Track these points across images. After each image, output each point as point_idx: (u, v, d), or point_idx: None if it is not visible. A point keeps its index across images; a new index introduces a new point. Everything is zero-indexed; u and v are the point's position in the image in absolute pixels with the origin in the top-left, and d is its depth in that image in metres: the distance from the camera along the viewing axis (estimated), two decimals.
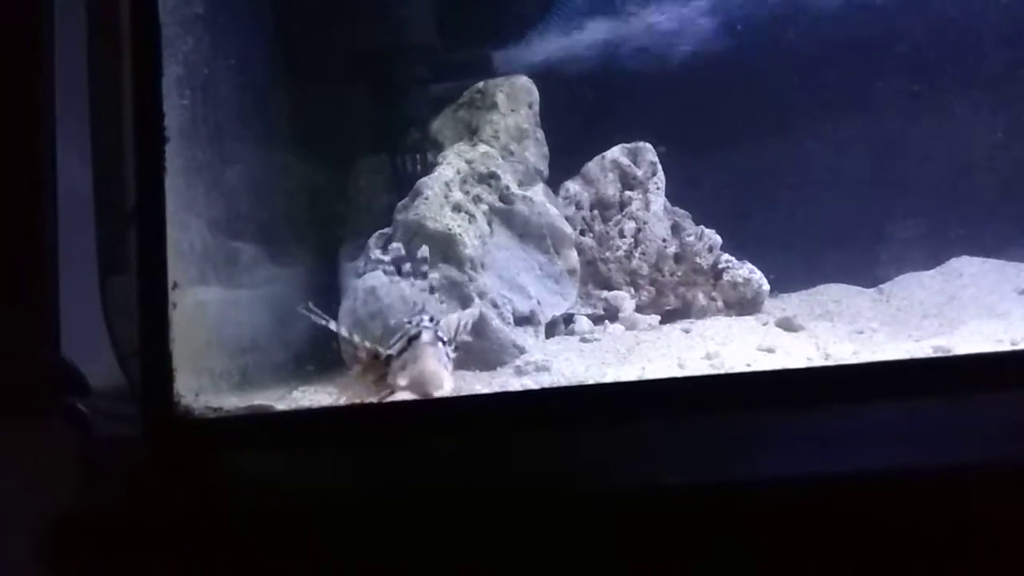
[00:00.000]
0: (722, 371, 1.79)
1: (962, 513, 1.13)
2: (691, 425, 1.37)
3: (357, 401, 1.68)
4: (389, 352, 1.61)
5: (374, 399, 1.66)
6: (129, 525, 1.24)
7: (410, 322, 1.62)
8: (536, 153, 2.56)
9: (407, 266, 1.91)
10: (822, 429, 1.33)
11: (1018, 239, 2.59)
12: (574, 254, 2.50)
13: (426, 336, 1.59)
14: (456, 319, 1.76)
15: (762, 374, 1.48)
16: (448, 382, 1.58)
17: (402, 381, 1.57)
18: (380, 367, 1.65)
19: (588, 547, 1.18)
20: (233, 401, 1.60)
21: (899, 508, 1.14)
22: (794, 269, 2.73)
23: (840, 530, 1.14)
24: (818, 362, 1.93)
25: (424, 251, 1.93)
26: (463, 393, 1.66)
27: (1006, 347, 1.88)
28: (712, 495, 1.18)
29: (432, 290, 1.92)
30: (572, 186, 2.66)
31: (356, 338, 1.66)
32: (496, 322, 2.18)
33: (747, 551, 1.16)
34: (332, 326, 1.71)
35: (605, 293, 2.58)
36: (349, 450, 1.44)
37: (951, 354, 1.79)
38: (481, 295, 2.19)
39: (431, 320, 1.63)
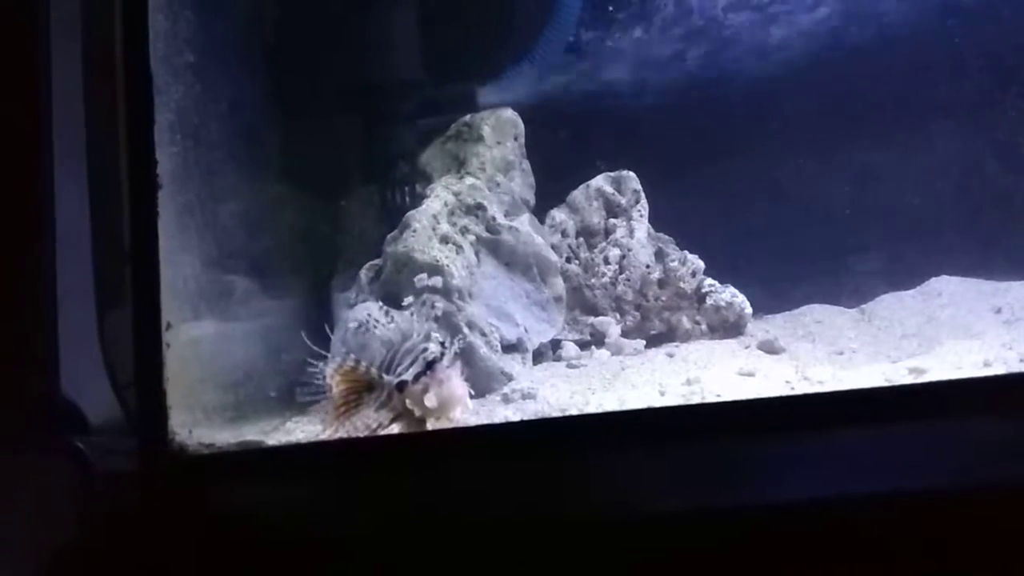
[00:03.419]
0: (700, 397, 1.84)
1: (940, 536, 1.17)
2: (669, 453, 1.41)
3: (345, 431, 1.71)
4: (403, 379, 1.67)
5: (362, 428, 1.69)
6: (126, 561, 1.28)
7: (425, 348, 1.68)
8: (522, 183, 2.62)
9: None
10: (797, 455, 1.37)
11: (995, 258, 2.65)
12: (560, 281, 2.55)
13: (447, 360, 1.65)
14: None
15: (735, 403, 1.52)
16: (469, 404, 1.65)
17: (430, 403, 1.63)
18: (378, 394, 1.70)
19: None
20: (226, 436, 1.63)
21: (879, 532, 1.18)
22: (779, 291, 2.79)
23: (824, 554, 1.19)
24: (796, 384, 1.97)
25: (422, 279, 1.96)
26: (452, 425, 1.70)
27: (978, 368, 1.93)
28: (696, 522, 1.23)
29: (438, 319, 1.96)
30: (558, 215, 2.72)
31: (362, 363, 1.70)
32: (484, 350, 2.24)
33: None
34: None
35: (591, 319, 2.63)
36: (341, 482, 1.47)
37: (922, 381, 1.83)
38: (469, 324, 2.25)
39: (443, 345, 1.68)
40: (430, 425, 1.65)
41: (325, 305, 2.42)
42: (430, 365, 1.66)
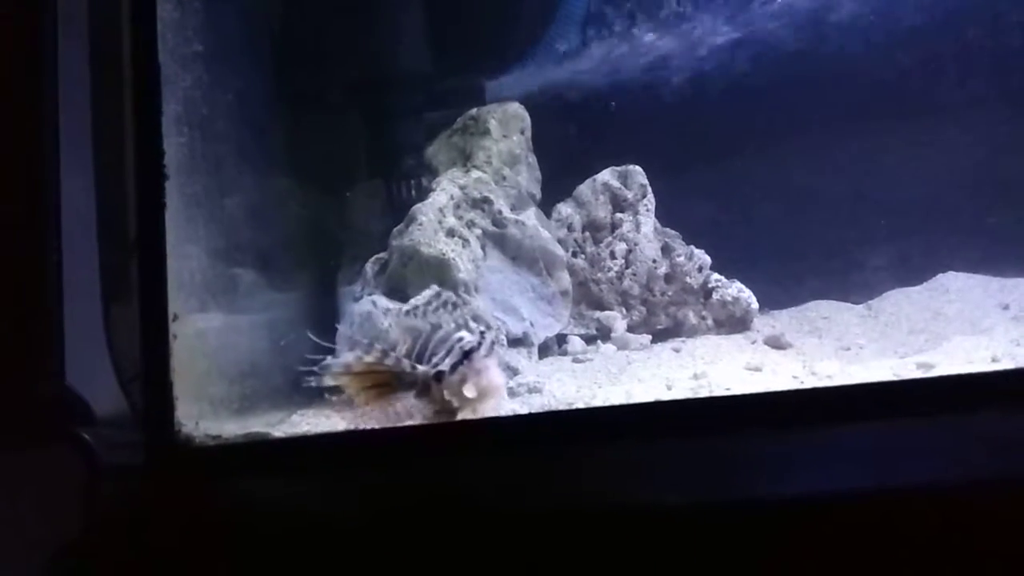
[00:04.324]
0: (708, 392, 1.83)
1: (944, 531, 1.17)
2: (676, 448, 1.41)
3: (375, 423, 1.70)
4: (440, 369, 1.67)
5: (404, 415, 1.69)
6: (132, 553, 1.28)
7: (460, 338, 1.68)
8: (528, 177, 2.62)
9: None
10: (805, 450, 1.37)
11: (1003, 254, 2.64)
12: (566, 276, 2.55)
13: (484, 349, 1.65)
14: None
15: (743, 398, 1.51)
16: (505, 393, 1.65)
17: (469, 393, 1.62)
18: (412, 386, 1.69)
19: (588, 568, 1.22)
20: (232, 428, 1.63)
21: (886, 527, 1.17)
22: (785, 286, 2.78)
23: (830, 549, 1.18)
24: (804, 379, 1.97)
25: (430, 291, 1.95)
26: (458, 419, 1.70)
27: (986, 364, 1.92)
28: (704, 516, 1.22)
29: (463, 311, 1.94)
30: (564, 209, 2.72)
31: (393, 353, 1.69)
32: None
33: (737, 569, 1.21)
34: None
35: (597, 313, 2.63)
36: (347, 475, 1.47)
37: (930, 376, 1.83)
38: (475, 318, 2.24)
39: (482, 335, 1.68)
40: (462, 416, 1.65)
41: (331, 298, 2.42)
42: (467, 355, 1.66)
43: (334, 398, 1.72)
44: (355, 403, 1.69)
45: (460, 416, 1.65)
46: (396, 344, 1.76)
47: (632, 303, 2.65)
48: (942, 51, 2.64)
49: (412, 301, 1.87)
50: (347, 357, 1.70)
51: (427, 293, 1.84)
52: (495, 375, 1.64)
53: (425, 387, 1.67)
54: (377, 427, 1.66)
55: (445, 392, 1.64)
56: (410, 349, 1.72)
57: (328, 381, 1.69)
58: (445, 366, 1.65)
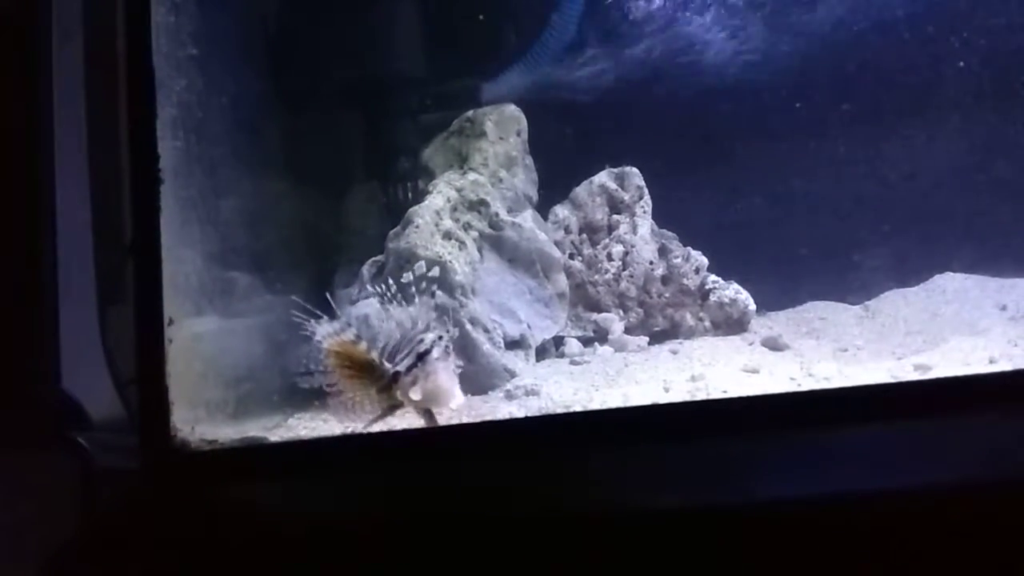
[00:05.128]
0: (705, 394, 1.83)
1: (946, 532, 1.17)
2: (673, 450, 1.40)
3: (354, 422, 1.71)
4: (397, 369, 1.67)
5: (368, 417, 1.69)
6: (127, 558, 1.27)
7: (420, 340, 1.67)
8: (525, 179, 2.61)
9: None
10: (803, 452, 1.37)
11: (1000, 255, 2.64)
12: (563, 278, 2.55)
13: (436, 352, 1.65)
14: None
15: (741, 400, 1.51)
16: (460, 397, 1.64)
17: (415, 396, 1.63)
18: (379, 381, 1.69)
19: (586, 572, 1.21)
20: (228, 432, 1.63)
21: (884, 529, 1.17)
22: (782, 287, 2.78)
23: (827, 550, 1.18)
24: (801, 381, 1.97)
25: (421, 267, 1.94)
26: (452, 422, 1.70)
27: (984, 365, 1.92)
28: (701, 519, 1.22)
29: (436, 308, 1.94)
30: (561, 211, 2.71)
31: (363, 341, 1.69)
32: (487, 346, 2.23)
33: (735, 571, 1.20)
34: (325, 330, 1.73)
35: (594, 315, 2.62)
36: (343, 479, 1.47)
37: (928, 377, 1.83)
38: (472, 320, 2.24)
39: (439, 338, 1.68)
40: (438, 416, 1.65)
41: (327, 301, 2.41)
42: (421, 357, 1.66)
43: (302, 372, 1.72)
44: (329, 378, 1.69)
45: (409, 415, 1.66)
46: (388, 343, 1.76)
47: (629, 305, 2.65)
48: (939, 50, 2.64)
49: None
50: (325, 328, 1.70)
51: (408, 276, 1.84)
52: (443, 379, 1.63)
53: (388, 386, 1.68)
54: (374, 431, 1.66)
55: (398, 392, 1.65)
56: (385, 346, 1.73)
57: (320, 337, 1.69)
58: (402, 367, 1.66)
